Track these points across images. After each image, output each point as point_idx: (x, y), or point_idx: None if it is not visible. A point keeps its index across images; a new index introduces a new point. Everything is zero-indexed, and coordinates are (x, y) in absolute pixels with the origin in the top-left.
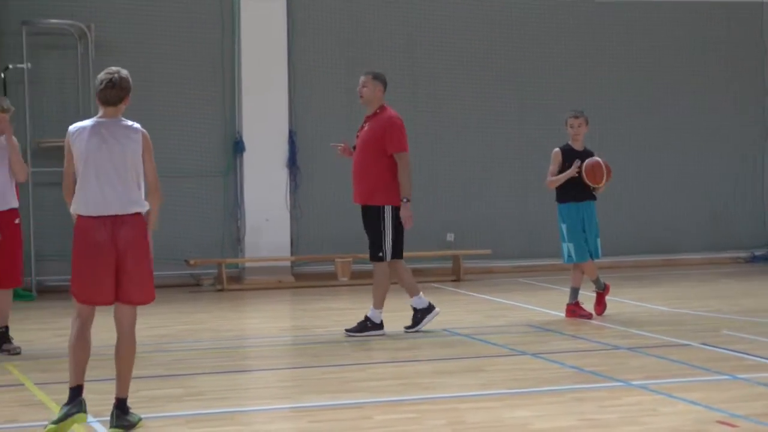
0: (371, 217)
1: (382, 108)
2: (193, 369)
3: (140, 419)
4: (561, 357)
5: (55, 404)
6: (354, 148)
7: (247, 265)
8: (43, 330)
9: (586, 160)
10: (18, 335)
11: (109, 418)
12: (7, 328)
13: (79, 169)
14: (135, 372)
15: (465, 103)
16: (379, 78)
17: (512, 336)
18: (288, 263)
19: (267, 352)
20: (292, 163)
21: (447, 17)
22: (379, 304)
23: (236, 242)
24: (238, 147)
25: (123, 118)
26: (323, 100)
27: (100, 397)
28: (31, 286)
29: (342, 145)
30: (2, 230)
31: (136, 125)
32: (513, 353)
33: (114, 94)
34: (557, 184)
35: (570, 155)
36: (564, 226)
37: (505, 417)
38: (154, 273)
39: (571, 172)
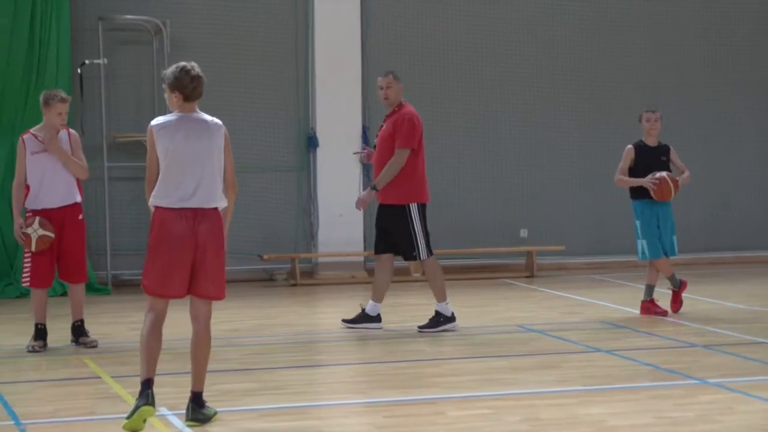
0: (397, 217)
1: (400, 105)
2: (268, 363)
3: (216, 413)
4: (636, 354)
5: (130, 397)
6: (374, 148)
7: (320, 260)
8: (118, 324)
9: (655, 186)
10: (94, 329)
11: (185, 411)
12: (82, 321)
13: (162, 164)
14: (210, 366)
15: (535, 98)
16: (398, 77)
17: (586, 333)
18: (361, 258)
19: (341, 347)
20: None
21: (514, 16)
22: (441, 297)
23: (309, 237)
24: (311, 142)
25: (202, 113)
26: None
27: (176, 390)
28: (107, 280)
29: (365, 152)
30: (66, 226)
31: (218, 121)
32: (587, 350)
33: (202, 88)
34: (626, 186)
35: (643, 151)
36: (638, 223)
37: (581, 414)
38: (228, 268)
39: (644, 182)
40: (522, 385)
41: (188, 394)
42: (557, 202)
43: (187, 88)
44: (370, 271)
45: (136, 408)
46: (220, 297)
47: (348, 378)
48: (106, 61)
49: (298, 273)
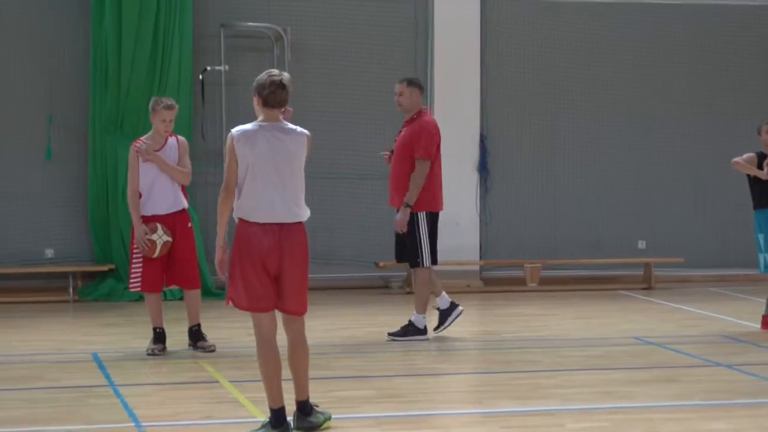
0: (407, 224)
1: (419, 113)
2: (385, 371)
3: (328, 418)
4: (757, 369)
5: (248, 402)
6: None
7: (436, 268)
8: (236, 329)
9: None
10: (212, 333)
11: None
12: (198, 326)
13: (243, 174)
14: (326, 372)
15: (653, 106)
16: (414, 83)
17: (705, 346)
18: (477, 267)
19: (457, 356)
20: (483, 167)
21: (632, 20)
22: (421, 309)
23: None
24: None
25: (285, 122)
26: (515, 104)
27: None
28: (225, 285)
29: (388, 153)
30: (177, 233)
31: (300, 129)
32: (707, 364)
33: (284, 95)
34: (742, 170)
35: (763, 162)
36: (761, 236)
37: (701, 429)
38: (344, 275)
39: (759, 172)
40: (640, 398)
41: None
42: (676, 214)
43: (264, 91)
44: (486, 280)
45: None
46: (302, 312)
47: (465, 387)
48: (227, 67)
49: (413, 281)
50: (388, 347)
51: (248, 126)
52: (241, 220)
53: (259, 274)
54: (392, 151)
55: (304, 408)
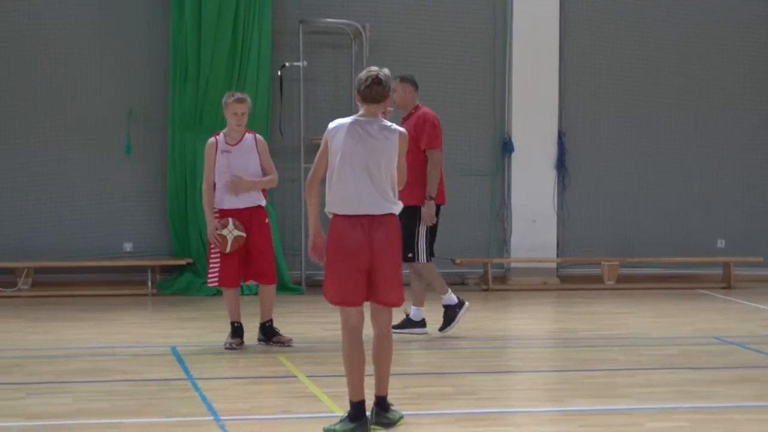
0: (406, 216)
1: (416, 108)
2: (461, 368)
3: (401, 417)
4: None
5: (326, 397)
6: None
7: (513, 265)
8: (312, 323)
9: None
10: (289, 328)
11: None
12: (271, 321)
13: (334, 167)
14: (405, 369)
15: (735, 103)
16: (406, 80)
17: None
18: (554, 265)
19: (533, 354)
20: (561, 164)
21: (720, 11)
22: (419, 302)
23: (502, 243)
24: (506, 147)
25: (382, 118)
26: (594, 101)
27: (369, 392)
28: (301, 279)
29: None
30: (254, 228)
31: (395, 126)
32: None
33: (380, 91)
34: None
35: None
36: None
37: None
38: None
39: None
40: (720, 398)
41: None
42: (756, 213)
43: (362, 87)
44: (563, 278)
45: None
46: (397, 303)
47: (541, 385)
48: (305, 63)
49: (490, 278)
50: (465, 344)
51: (344, 120)
52: (333, 214)
53: (350, 268)
54: None
55: (383, 404)
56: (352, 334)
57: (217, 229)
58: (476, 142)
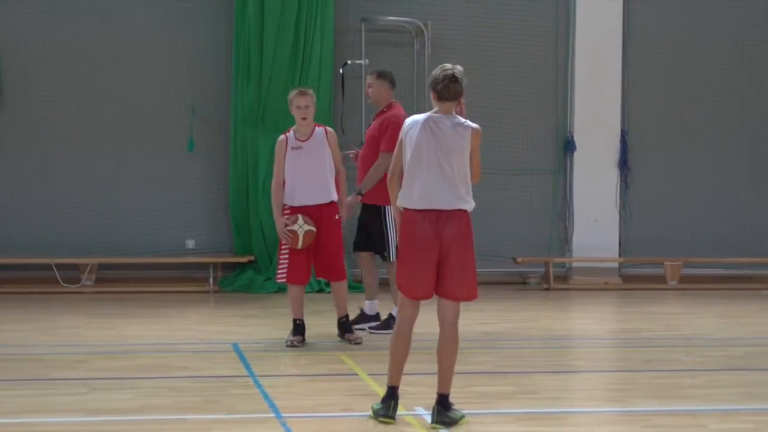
0: (374, 216)
1: (389, 106)
2: (523, 367)
3: (463, 416)
4: None
5: None
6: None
7: (574, 264)
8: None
9: None
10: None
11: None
12: (346, 317)
13: (407, 162)
14: (465, 368)
15: None
16: (383, 76)
17: None
18: (616, 264)
19: (595, 354)
20: (623, 163)
21: None
22: (372, 296)
23: (564, 242)
24: (568, 146)
25: (456, 115)
26: (657, 99)
27: (431, 390)
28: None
29: (353, 152)
30: (324, 224)
31: (468, 122)
32: None
33: (456, 89)
34: None
35: None
36: None
37: None
38: (482, 270)
39: None
40: None
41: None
42: None
43: (438, 85)
44: (625, 278)
45: (376, 414)
46: (468, 298)
47: (604, 385)
48: (367, 61)
49: (551, 277)
50: (526, 343)
51: (419, 116)
52: (404, 208)
53: (419, 261)
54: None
55: (445, 402)
56: (402, 324)
57: (286, 226)
58: (538, 140)
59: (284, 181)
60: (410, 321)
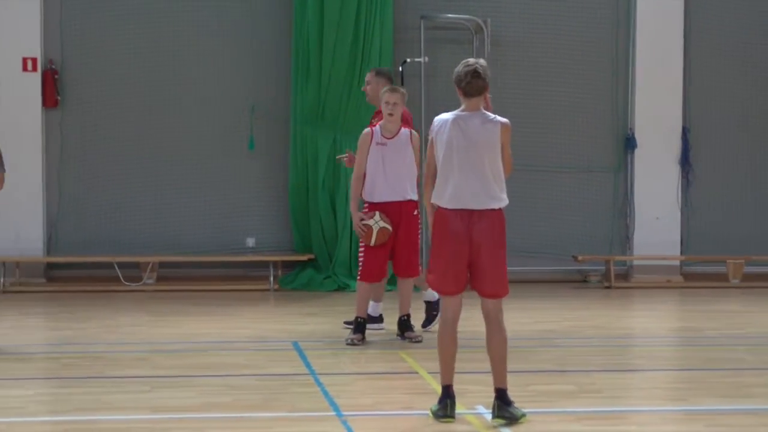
0: None
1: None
2: (584, 365)
3: (524, 414)
4: None
5: None
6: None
7: (635, 262)
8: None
9: None
10: (418, 324)
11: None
12: (408, 316)
13: (439, 162)
14: (526, 366)
15: None
16: (381, 74)
17: None
18: (677, 262)
19: (657, 352)
20: (685, 160)
21: None
22: (379, 298)
23: (624, 239)
24: (629, 143)
25: (484, 110)
26: (719, 96)
27: (491, 389)
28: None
29: (347, 156)
30: (402, 221)
31: (497, 117)
32: None
33: (480, 83)
34: None
35: None
36: None
37: None
38: (542, 268)
39: None
40: None
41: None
42: None
43: (462, 82)
44: (687, 276)
45: (435, 415)
46: (498, 295)
47: (665, 384)
48: (426, 59)
49: (612, 275)
50: (587, 341)
51: (446, 115)
52: (438, 206)
53: (450, 259)
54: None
55: (504, 396)
56: (446, 323)
57: (362, 220)
58: (598, 137)
59: (364, 175)
60: (453, 319)
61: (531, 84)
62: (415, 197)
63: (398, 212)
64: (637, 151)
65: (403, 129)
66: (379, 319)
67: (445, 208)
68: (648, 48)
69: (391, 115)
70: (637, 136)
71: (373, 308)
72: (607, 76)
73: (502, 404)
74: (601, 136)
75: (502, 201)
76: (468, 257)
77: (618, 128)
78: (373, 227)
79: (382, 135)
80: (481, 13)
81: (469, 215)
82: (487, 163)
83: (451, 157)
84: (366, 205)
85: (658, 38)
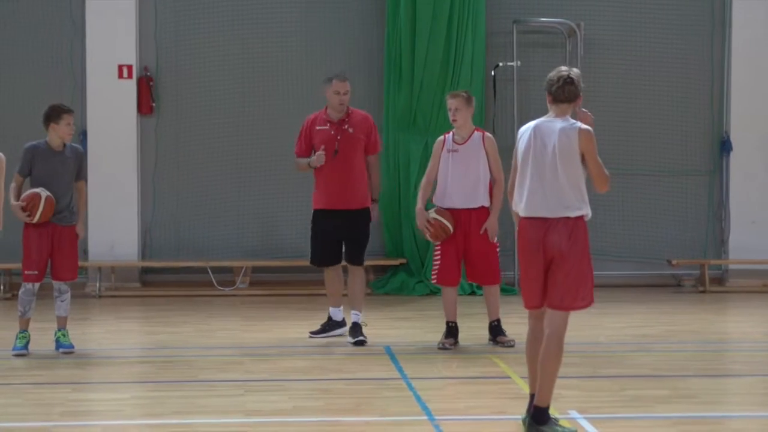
0: (366, 220)
1: (349, 109)
2: (679, 370)
3: None
4: None
5: None
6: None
7: (731, 267)
8: (524, 324)
9: None
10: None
11: (594, 415)
12: (498, 321)
13: (519, 168)
14: (621, 371)
15: None
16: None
17: None
18: None
19: (753, 357)
20: None
21: None
22: (339, 303)
23: (720, 243)
24: (724, 147)
25: (568, 118)
26: None
27: (585, 394)
28: (514, 280)
29: (315, 158)
30: (473, 229)
31: (577, 123)
32: None
33: (572, 90)
34: None
35: None
36: None
37: None
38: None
39: None
40: None
41: (597, 399)
42: None
43: (553, 87)
44: None
45: (523, 422)
46: (562, 307)
47: (762, 389)
48: (519, 63)
49: (707, 279)
50: (682, 346)
51: (532, 122)
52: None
53: (528, 268)
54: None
55: (539, 416)
56: (530, 333)
57: (426, 218)
58: (693, 141)
59: (436, 181)
60: (533, 331)
61: (624, 88)
62: (487, 203)
63: (468, 219)
64: (732, 155)
65: (475, 132)
66: (342, 324)
67: (523, 217)
68: (743, 50)
69: (454, 120)
70: (732, 139)
71: (334, 313)
72: (702, 80)
73: (533, 422)
74: (697, 139)
75: (578, 210)
76: (543, 267)
77: (713, 131)
78: (437, 219)
79: (453, 141)
80: (574, 16)
81: (542, 223)
82: (562, 171)
83: (526, 166)
84: (436, 210)
85: (754, 41)
